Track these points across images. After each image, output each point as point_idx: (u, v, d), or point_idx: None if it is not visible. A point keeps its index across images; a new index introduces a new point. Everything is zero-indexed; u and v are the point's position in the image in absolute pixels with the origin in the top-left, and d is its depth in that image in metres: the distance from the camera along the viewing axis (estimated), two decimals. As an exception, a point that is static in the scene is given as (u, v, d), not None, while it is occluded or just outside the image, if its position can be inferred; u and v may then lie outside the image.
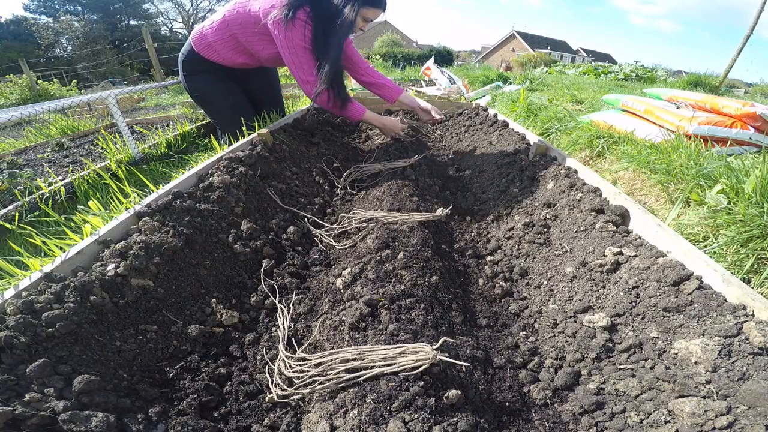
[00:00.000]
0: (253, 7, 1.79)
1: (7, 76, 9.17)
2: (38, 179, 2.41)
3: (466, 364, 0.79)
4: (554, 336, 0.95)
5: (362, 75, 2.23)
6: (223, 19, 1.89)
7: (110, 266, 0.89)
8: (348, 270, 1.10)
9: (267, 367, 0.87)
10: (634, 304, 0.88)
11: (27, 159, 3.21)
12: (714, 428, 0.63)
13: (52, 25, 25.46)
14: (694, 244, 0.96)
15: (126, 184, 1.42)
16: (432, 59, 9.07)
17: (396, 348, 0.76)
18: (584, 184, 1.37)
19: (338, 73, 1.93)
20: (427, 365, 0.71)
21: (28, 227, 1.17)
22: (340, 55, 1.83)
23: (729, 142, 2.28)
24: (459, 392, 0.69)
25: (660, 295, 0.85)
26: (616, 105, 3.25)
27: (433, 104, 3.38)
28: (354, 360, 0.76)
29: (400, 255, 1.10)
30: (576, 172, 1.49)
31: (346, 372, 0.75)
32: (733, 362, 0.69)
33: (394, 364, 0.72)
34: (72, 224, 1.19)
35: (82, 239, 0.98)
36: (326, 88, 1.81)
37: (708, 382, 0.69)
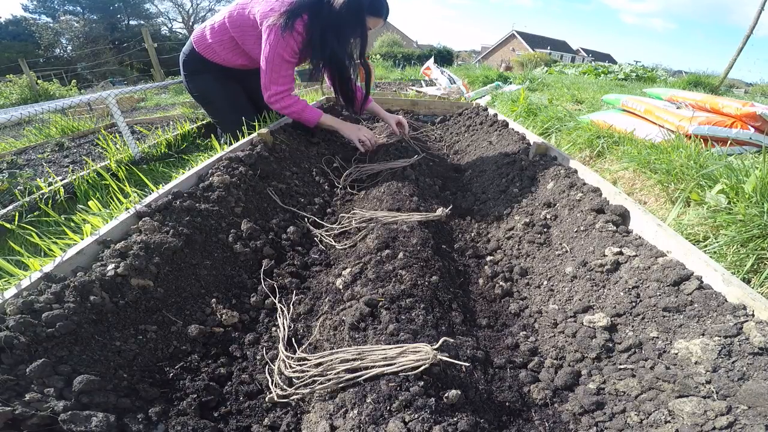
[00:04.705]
0: (252, 9, 1.79)
1: (7, 76, 9.16)
2: (38, 179, 2.41)
3: (466, 364, 0.79)
4: (554, 336, 0.95)
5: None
6: (224, 21, 1.88)
7: (110, 266, 0.89)
8: (348, 270, 1.10)
9: (267, 367, 0.87)
10: (634, 304, 0.88)
11: (27, 159, 3.21)
12: (714, 428, 0.63)
13: (51, 25, 25.45)
14: (694, 244, 0.96)
15: (126, 183, 1.42)
16: (432, 59, 9.07)
17: (396, 348, 0.76)
18: (584, 184, 1.37)
19: (345, 79, 1.96)
20: (427, 365, 0.71)
21: (28, 227, 1.17)
22: (344, 59, 1.85)
23: (729, 142, 2.28)
24: (459, 392, 0.69)
25: (660, 295, 0.85)
26: (616, 105, 3.26)
27: (432, 104, 3.39)
28: (354, 360, 0.76)
29: (400, 255, 1.09)
30: (576, 172, 1.49)
31: (346, 372, 0.75)
32: (733, 362, 0.69)
33: (394, 364, 0.72)
34: (72, 224, 1.19)
35: (82, 239, 0.98)
36: (284, 95, 1.83)
37: (708, 382, 0.69)
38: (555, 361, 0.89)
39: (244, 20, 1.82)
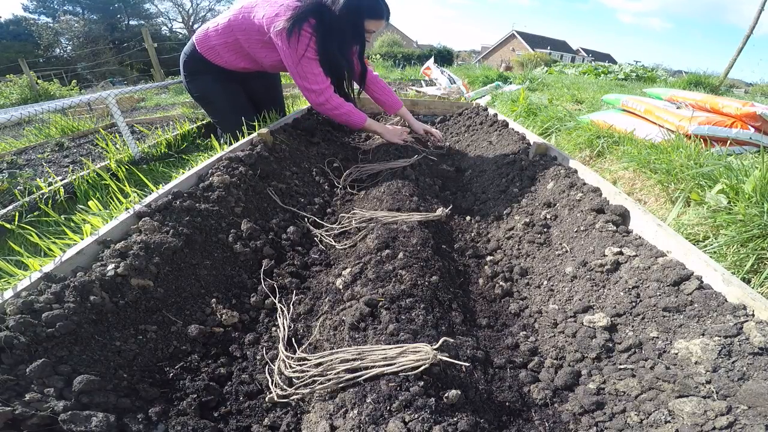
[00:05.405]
0: (257, 14, 1.79)
1: (7, 76, 9.16)
2: (38, 179, 2.41)
3: (466, 364, 0.79)
4: (554, 336, 0.95)
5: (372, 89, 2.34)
6: (228, 23, 1.88)
7: (110, 266, 0.89)
8: (348, 270, 1.10)
9: (267, 367, 0.87)
10: (634, 304, 0.88)
11: (27, 159, 3.21)
12: (714, 428, 0.63)
13: (51, 25, 25.44)
14: (694, 244, 0.96)
15: (126, 184, 1.42)
16: (432, 59, 9.07)
17: (396, 348, 0.76)
18: (584, 183, 1.37)
19: (341, 82, 1.97)
20: (427, 365, 0.71)
21: (28, 227, 1.17)
22: (343, 65, 1.86)
23: (729, 141, 2.28)
24: (459, 392, 0.69)
25: (660, 295, 0.85)
26: (616, 105, 3.26)
27: (432, 104, 3.39)
28: (354, 360, 0.76)
29: (400, 255, 1.09)
30: (576, 171, 1.49)
31: (346, 372, 0.75)
32: (733, 362, 0.69)
33: (394, 364, 0.72)
34: (72, 224, 1.19)
35: (82, 239, 0.98)
36: (329, 96, 1.84)
37: (708, 382, 0.69)
38: (555, 361, 0.89)
39: (250, 24, 1.82)
